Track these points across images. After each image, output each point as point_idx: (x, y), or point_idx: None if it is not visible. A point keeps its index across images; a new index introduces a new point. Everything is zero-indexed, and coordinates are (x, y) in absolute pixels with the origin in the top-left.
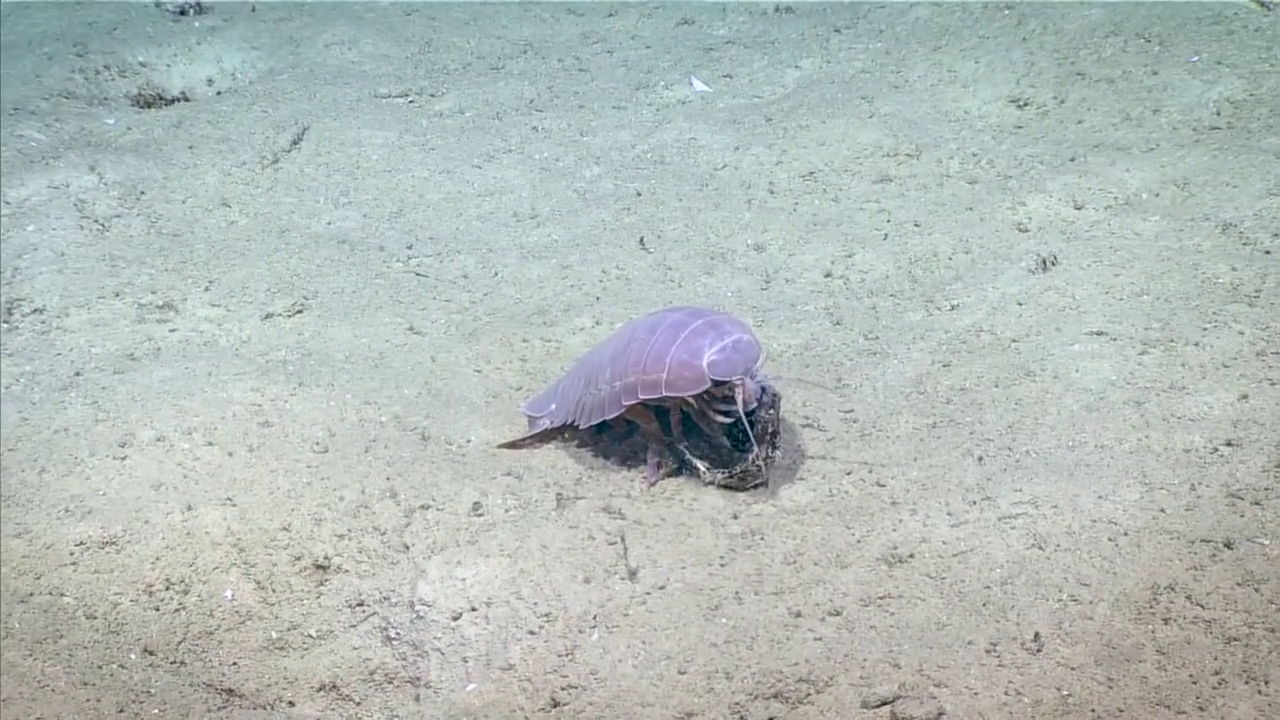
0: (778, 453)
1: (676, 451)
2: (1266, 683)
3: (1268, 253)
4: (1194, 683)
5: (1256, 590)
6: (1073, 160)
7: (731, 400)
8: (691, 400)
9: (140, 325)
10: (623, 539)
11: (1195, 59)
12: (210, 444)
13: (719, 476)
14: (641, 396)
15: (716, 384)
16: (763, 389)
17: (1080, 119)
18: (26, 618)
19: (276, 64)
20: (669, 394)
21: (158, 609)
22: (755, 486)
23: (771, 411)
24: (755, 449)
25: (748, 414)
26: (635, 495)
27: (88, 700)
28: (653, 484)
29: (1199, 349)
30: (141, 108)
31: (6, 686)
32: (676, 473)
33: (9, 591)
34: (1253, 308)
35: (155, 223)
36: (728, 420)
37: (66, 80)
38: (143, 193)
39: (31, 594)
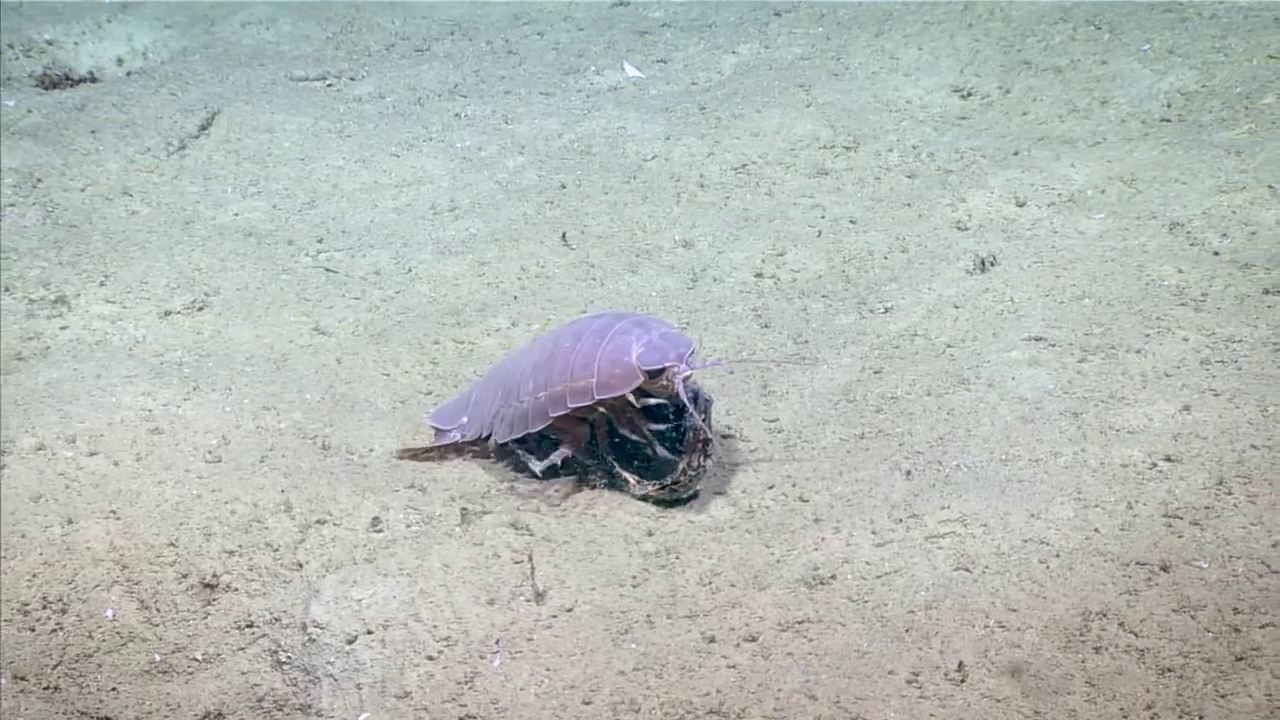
0: (709, 461)
1: (604, 464)
2: (1201, 717)
3: (1216, 254)
4: (1125, 717)
5: (1193, 617)
6: (1016, 154)
7: (665, 404)
8: (626, 399)
9: (29, 322)
10: (530, 558)
11: (1147, 47)
12: (95, 453)
13: (650, 489)
14: (571, 405)
15: (650, 375)
16: (695, 394)
17: (1025, 110)
18: None
19: (190, 43)
20: (601, 397)
21: (33, 630)
22: (689, 499)
23: (704, 418)
24: (687, 455)
25: (681, 408)
26: (545, 510)
27: None
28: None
29: (1141, 356)
30: (45, 89)
31: None
32: (608, 486)
33: None
34: (1199, 312)
35: (51, 212)
36: (660, 426)
37: None
38: (39, 180)
39: None
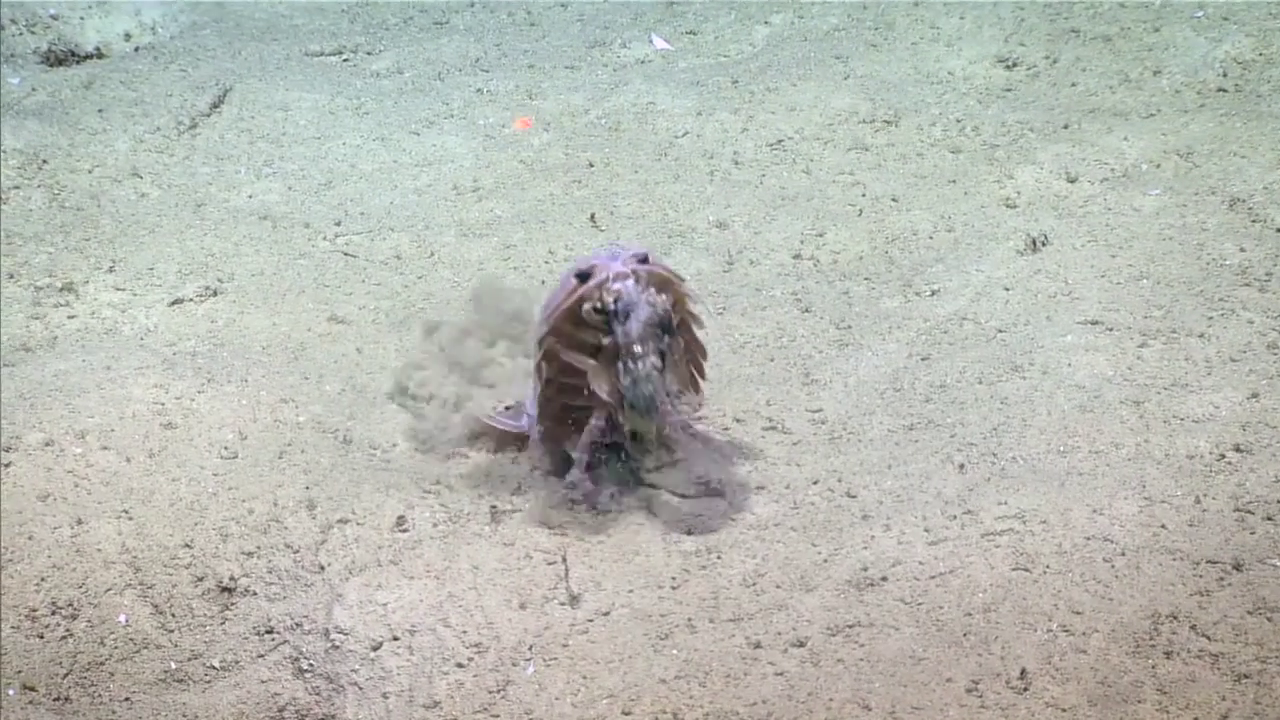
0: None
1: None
2: None
3: (1279, 231)
4: None
5: (1269, 619)
6: (1066, 127)
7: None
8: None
9: (36, 311)
10: (564, 559)
11: (1200, 14)
12: (106, 448)
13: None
14: (535, 341)
15: (581, 279)
16: (663, 321)
17: (1074, 81)
18: None
19: (200, 17)
20: (547, 320)
21: (42, 637)
22: (646, 414)
23: (666, 336)
24: (639, 365)
25: (625, 309)
26: (579, 508)
27: None
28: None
29: (1204, 341)
30: (51, 66)
31: None
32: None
33: None
34: (1263, 293)
35: (58, 195)
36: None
37: None
38: (45, 161)
39: None
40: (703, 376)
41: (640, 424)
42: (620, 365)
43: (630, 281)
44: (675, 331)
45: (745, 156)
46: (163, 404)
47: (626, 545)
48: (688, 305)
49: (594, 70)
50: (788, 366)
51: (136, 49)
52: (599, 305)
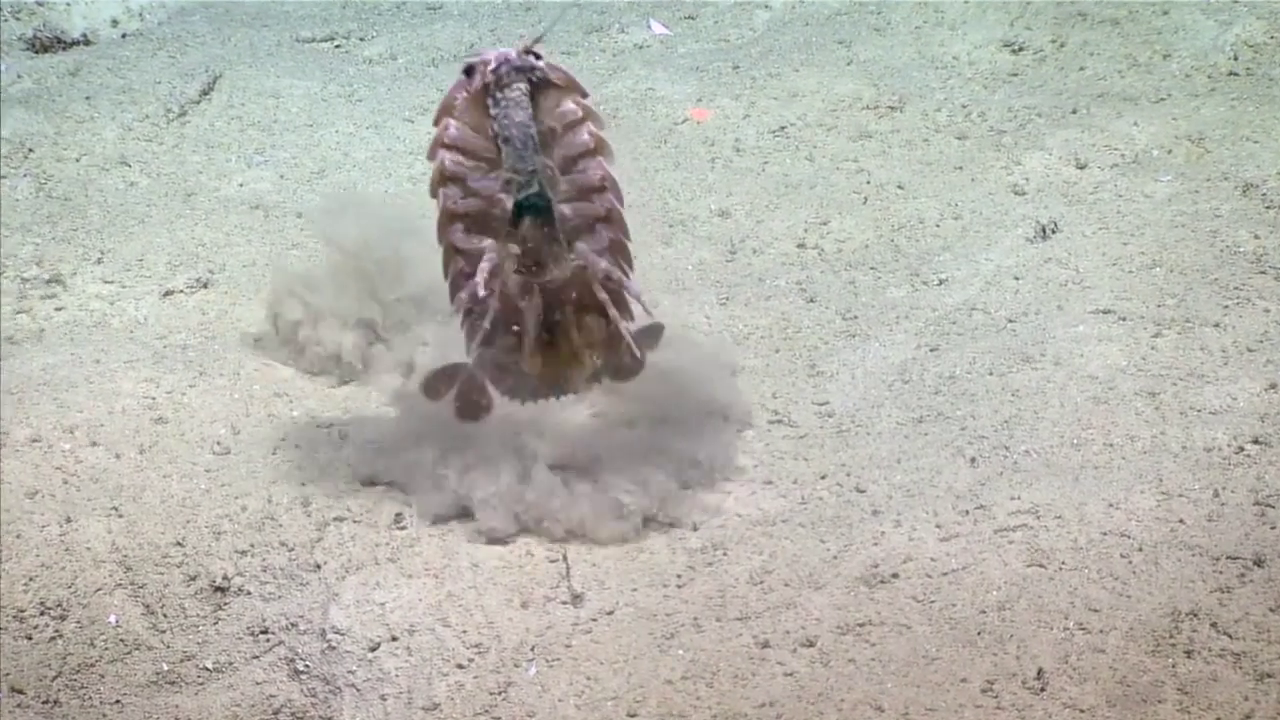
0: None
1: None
2: None
3: None
4: None
5: None
6: (1074, 112)
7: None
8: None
9: (22, 304)
10: (565, 556)
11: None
12: (95, 444)
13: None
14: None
15: (467, 74)
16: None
17: (1082, 65)
18: None
19: (188, 2)
20: (437, 121)
21: (30, 638)
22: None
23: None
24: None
25: (503, 80)
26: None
27: None
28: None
29: (1220, 330)
30: (37, 52)
31: None
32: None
33: None
34: None
35: (44, 185)
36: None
37: None
38: (31, 150)
39: None
40: (620, 202)
41: (534, 231)
42: (503, 144)
43: (511, 52)
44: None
45: (747, 144)
46: (153, 398)
47: (629, 542)
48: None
49: (591, 55)
50: (793, 358)
51: (124, 35)
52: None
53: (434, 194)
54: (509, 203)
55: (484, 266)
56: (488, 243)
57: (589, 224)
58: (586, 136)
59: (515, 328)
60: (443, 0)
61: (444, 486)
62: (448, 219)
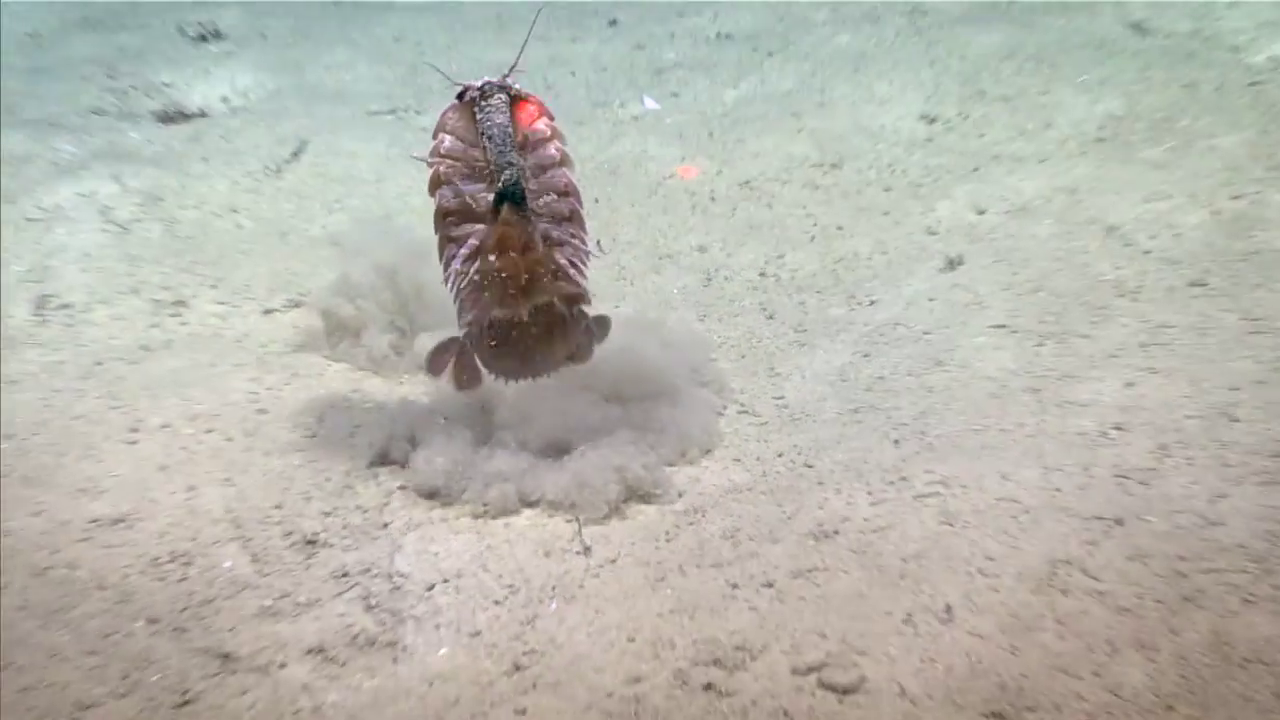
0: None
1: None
2: (1157, 651)
3: (1147, 252)
4: (1090, 651)
5: (1145, 564)
6: (975, 170)
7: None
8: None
9: (155, 320)
10: (578, 519)
11: (1082, 79)
12: (210, 430)
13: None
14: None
15: (460, 97)
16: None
17: (982, 133)
18: (41, 591)
19: (282, 84)
20: (434, 134)
21: (162, 580)
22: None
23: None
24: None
25: (487, 95)
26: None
27: (94, 668)
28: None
29: (1089, 340)
30: (163, 123)
31: (19, 656)
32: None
33: (26, 566)
34: (1135, 302)
35: (171, 226)
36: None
37: (98, 99)
38: (161, 199)
39: (47, 568)
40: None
41: (511, 214)
42: (486, 141)
43: (493, 79)
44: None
45: (720, 194)
46: (256, 394)
47: (629, 507)
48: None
49: (598, 125)
50: (756, 362)
51: (233, 110)
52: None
53: (431, 193)
54: (490, 195)
55: (471, 243)
56: (475, 229)
57: (555, 220)
58: (554, 150)
59: (497, 309)
60: None
61: (448, 470)
62: (442, 214)
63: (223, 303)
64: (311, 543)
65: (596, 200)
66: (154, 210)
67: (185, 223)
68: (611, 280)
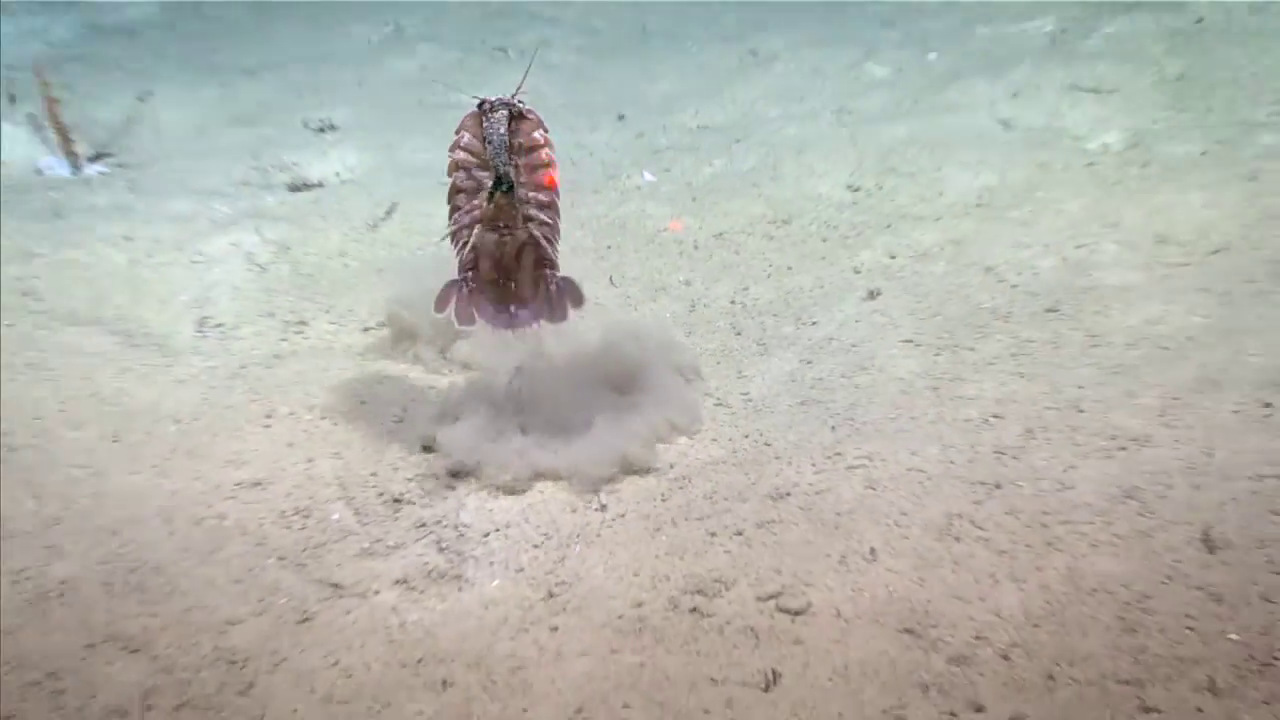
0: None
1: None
2: (1026, 582)
3: (1015, 286)
4: (977, 583)
5: (1017, 518)
6: (888, 227)
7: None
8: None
9: (283, 335)
10: (596, 485)
11: (966, 159)
12: (324, 418)
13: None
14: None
15: (479, 108)
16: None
17: (893, 199)
18: (200, 536)
19: (379, 162)
20: (454, 143)
21: (288, 528)
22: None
23: (508, 158)
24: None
25: (493, 109)
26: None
27: (238, 593)
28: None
29: (973, 352)
30: (292, 191)
31: (182, 585)
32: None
33: (188, 517)
34: (1007, 323)
35: (296, 267)
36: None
37: (245, 174)
38: (289, 247)
39: (204, 519)
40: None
41: (502, 199)
42: (487, 144)
43: (499, 107)
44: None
45: (701, 243)
46: (357, 389)
47: (635, 476)
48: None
49: (609, 192)
50: (728, 368)
51: (342, 181)
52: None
53: (449, 175)
54: (489, 181)
55: (474, 215)
56: (475, 203)
57: (538, 206)
58: (544, 155)
59: (486, 265)
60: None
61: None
62: (454, 190)
63: (333, 323)
64: (398, 501)
65: (609, 247)
66: (284, 255)
67: (307, 264)
68: (620, 306)
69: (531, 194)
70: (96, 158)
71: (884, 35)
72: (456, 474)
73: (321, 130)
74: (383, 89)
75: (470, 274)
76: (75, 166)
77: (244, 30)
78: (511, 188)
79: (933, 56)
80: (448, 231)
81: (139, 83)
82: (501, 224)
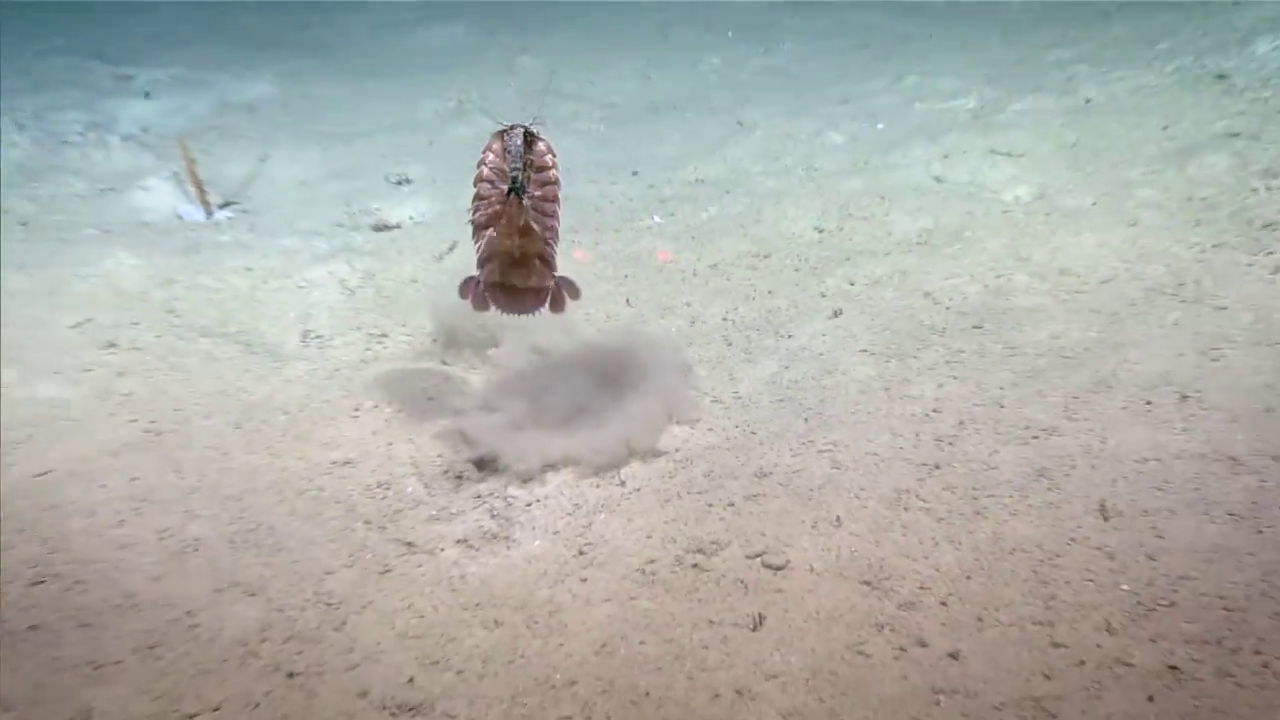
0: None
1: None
2: (960, 544)
3: (948, 309)
4: (921, 544)
5: (952, 492)
6: (848, 260)
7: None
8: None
9: (368, 345)
10: (617, 465)
11: (908, 207)
12: (399, 411)
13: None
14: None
15: (500, 133)
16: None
17: (850, 238)
18: (303, 504)
19: (444, 209)
20: (481, 159)
21: (373, 498)
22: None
23: (527, 168)
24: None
25: (510, 133)
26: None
27: (333, 550)
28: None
29: (917, 360)
30: (376, 231)
31: (289, 543)
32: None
33: (294, 489)
34: (943, 337)
35: (379, 291)
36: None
37: (339, 218)
38: (373, 275)
39: (306, 490)
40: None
41: (515, 203)
42: (505, 155)
43: (518, 128)
44: (533, 143)
45: (699, 272)
46: (428, 389)
47: (647, 458)
48: (546, 163)
49: (624, 231)
50: (721, 373)
51: (415, 223)
52: (505, 135)
53: (474, 185)
54: (504, 188)
55: (487, 216)
56: (494, 207)
57: (544, 212)
58: (551, 174)
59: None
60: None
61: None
62: (477, 196)
63: (408, 335)
64: (459, 477)
65: (626, 275)
66: (369, 281)
67: (387, 288)
68: (635, 322)
69: (539, 204)
70: (225, 205)
71: (841, 110)
72: (482, 463)
73: (399, 183)
74: (448, 150)
75: (485, 269)
76: (208, 213)
77: (341, 106)
78: (523, 189)
79: (881, 126)
80: (469, 219)
81: (259, 147)
82: (512, 228)
